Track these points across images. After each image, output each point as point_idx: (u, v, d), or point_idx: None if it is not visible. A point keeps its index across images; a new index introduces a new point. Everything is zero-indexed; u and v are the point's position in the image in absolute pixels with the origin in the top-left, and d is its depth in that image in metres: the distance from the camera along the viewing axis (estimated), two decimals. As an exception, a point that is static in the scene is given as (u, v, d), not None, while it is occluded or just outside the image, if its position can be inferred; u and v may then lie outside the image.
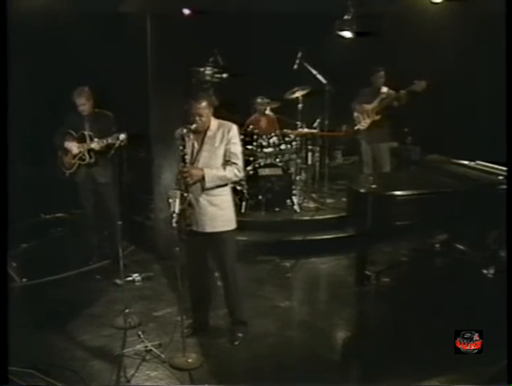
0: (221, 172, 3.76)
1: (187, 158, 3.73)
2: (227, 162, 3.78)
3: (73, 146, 5.18)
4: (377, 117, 6.52)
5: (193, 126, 3.73)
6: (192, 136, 3.80)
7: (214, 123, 3.84)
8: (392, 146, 7.75)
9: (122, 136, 4.38)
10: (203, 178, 3.70)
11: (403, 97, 6.31)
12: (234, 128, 3.85)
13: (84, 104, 5.15)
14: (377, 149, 6.69)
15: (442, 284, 4.83)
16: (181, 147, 3.69)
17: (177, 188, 3.66)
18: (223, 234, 3.86)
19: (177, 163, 3.76)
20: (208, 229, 3.82)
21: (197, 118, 3.73)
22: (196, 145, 3.82)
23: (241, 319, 4.07)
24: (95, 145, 5.09)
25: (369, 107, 6.59)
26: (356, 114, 6.70)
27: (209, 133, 3.81)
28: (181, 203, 3.61)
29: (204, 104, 3.74)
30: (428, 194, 4.55)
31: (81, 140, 5.18)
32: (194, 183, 3.73)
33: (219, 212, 3.82)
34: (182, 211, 3.62)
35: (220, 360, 3.79)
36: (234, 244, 3.97)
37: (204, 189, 3.74)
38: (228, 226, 3.88)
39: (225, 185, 3.85)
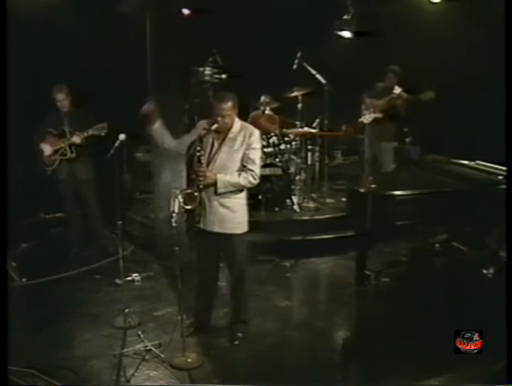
0: (235, 178, 3.66)
1: (204, 158, 3.67)
2: (243, 168, 3.68)
3: (47, 147, 5.24)
4: (380, 115, 6.51)
5: (214, 127, 3.62)
6: (212, 134, 3.71)
7: (237, 125, 3.72)
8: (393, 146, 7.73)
9: (122, 136, 4.40)
10: (215, 183, 3.63)
11: (409, 101, 6.32)
12: (256, 133, 3.74)
13: (64, 99, 5.27)
14: (380, 148, 6.68)
15: (442, 284, 4.83)
16: (198, 148, 3.62)
17: (186, 188, 3.67)
18: (233, 236, 3.79)
19: (194, 164, 3.70)
20: (217, 229, 3.75)
21: (219, 119, 3.61)
22: (215, 144, 3.73)
23: (244, 319, 4.04)
24: (76, 138, 5.18)
25: (377, 102, 6.54)
26: (363, 107, 6.68)
27: (230, 135, 3.70)
28: (192, 201, 3.60)
29: (229, 104, 3.61)
30: (428, 194, 4.55)
31: (62, 136, 5.27)
32: (206, 186, 3.66)
33: (231, 215, 3.74)
34: (193, 209, 3.62)
35: (220, 360, 3.78)
36: (245, 246, 3.90)
37: (217, 192, 3.67)
38: (239, 229, 3.80)
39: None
